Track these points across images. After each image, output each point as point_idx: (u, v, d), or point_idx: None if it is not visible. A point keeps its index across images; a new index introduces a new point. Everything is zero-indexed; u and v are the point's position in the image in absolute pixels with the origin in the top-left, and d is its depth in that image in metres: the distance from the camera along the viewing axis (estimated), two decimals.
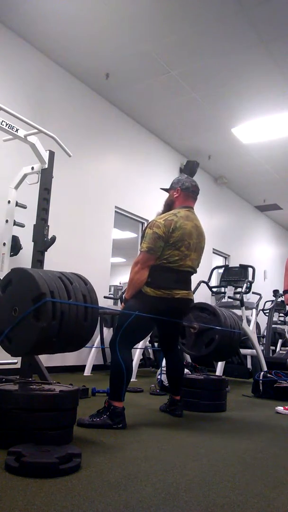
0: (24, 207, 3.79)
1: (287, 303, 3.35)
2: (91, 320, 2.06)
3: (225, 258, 8.62)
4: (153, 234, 2.60)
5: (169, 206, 2.84)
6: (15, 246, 3.75)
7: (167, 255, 2.62)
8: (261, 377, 3.96)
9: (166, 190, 2.98)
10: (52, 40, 4.48)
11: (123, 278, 7.70)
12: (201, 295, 6.23)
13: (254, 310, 5.69)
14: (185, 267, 2.68)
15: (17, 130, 3.33)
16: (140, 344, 4.67)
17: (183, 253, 2.65)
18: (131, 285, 2.62)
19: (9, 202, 3.70)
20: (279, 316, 7.82)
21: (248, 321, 5.09)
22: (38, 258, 3.31)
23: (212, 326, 3.15)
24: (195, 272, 2.80)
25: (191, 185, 2.90)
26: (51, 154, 3.50)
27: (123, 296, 2.74)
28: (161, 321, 2.67)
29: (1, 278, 2.28)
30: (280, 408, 3.19)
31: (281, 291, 7.60)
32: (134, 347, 2.91)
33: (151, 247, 2.58)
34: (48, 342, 1.91)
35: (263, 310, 7.46)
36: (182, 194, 2.87)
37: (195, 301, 5.87)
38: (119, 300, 5.31)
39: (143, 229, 2.76)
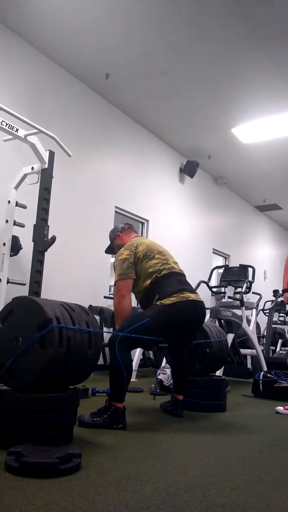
0: (24, 207, 3.79)
1: (286, 302, 3.36)
2: (95, 348, 2.04)
3: (225, 258, 8.62)
4: (119, 261, 2.69)
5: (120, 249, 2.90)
6: (15, 246, 3.75)
7: (151, 268, 2.66)
8: (261, 377, 3.96)
9: (111, 248, 3.08)
10: (52, 40, 4.48)
11: None
12: (201, 295, 6.23)
13: (254, 310, 5.69)
14: (174, 269, 2.73)
15: (17, 130, 3.33)
16: None
17: (161, 258, 2.72)
18: (118, 316, 2.63)
19: (9, 202, 3.70)
20: (279, 316, 7.82)
21: (248, 321, 5.09)
22: (38, 258, 3.31)
23: (202, 341, 3.18)
24: (185, 275, 2.82)
25: (123, 224, 3.10)
26: (51, 154, 3.51)
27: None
28: (178, 330, 2.64)
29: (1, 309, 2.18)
30: (280, 408, 3.19)
31: (280, 291, 7.61)
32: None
33: (121, 273, 2.64)
34: (55, 372, 1.86)
35: (263, 310, 7.45)
36: (123, 234, 3.00)
37: None
38: None
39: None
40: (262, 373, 4.07)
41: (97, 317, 4.91)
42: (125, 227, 3.04)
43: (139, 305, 2.91)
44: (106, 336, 5.13)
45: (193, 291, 2.72)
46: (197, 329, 2.84)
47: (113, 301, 2.69)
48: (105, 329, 5.12)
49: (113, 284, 2.74)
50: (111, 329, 4.84)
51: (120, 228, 3.04)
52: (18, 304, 2.01)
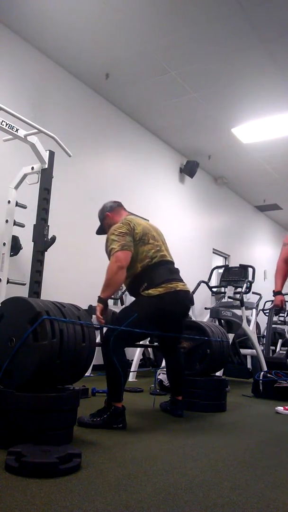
0: (24, 207, 3.78)
1: (276, 304, 3.37)
2: (89, 342, 2.04)
3: (225, 258, 8.62)
4: (119, 234, 2.54)
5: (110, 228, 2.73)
6: (15, 246, 3.75)
7: (144, 254, 2.59)
8: (261, 377, 3.96)
9: (101, 229, 2.92)
10: (52, 40, 4.48)
11: None
12: (201, 295, 6.23)
13: (254, 310, 5.70)
14: (166, 257, 2.68)
15: (17, 130, 3.33)
16: (142, 341, 4.65)
17: (154, 245, 2.65)
18: (110, 286, 2.50)
19: (9, 202, 3.70)
20: (279, 316, 7.82)
21: (248, 321, 5.09)
22: (38, 258, 3.31)
23: (202, 338, 3.17)
24: (174, 262, 2.78)
25: (111, 202, 2.92)
26: (51, 154, 3.51)
27: (98, 296, 2.57)
28: (165, 321, 2.64)
29: None
30: (280, 408, 3.19)
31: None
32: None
33: (123, 243, 2.50)
34: (51, 365, 1.88)
35: (263, 310, 7.46)
36: (112, 213, 2.85)
37: (195, 302, 5.84)
38: (119, 300, 5.31)
39: (105, 244, 2.63)
40: (262, 373, 4.07)
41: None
42: (114, 205, 2.87)
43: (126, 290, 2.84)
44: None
45: (181, 280, 2.69)
46: (184, 317, 2.81)
47: (110, 268, 2.47)
48: (104, 329, 5.11)
49: (109, 256, 2.54)
50: (109, 305, 4.83)
51: (109, 207, 2.87)
52: (8, 306, 2.04)
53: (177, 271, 2.73)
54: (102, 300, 2.56)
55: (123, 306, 5.11)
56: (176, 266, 2.78)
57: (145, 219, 6.27)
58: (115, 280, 2.49)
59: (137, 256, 2.58)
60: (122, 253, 2.49)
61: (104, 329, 2.90)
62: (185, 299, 2.69)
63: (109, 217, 2.83)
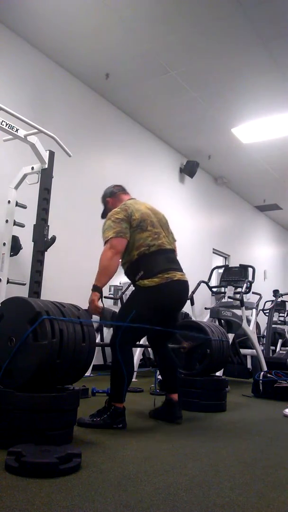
0: (24, 207, 3.78)
1: None
2: (89, 342, 2.04)
3: (225, 258, 8.62)
4: (115, 220, 2.52)
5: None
6: (15, 246, 3.74)
7: (141, 241, 2.52)
8: (261, 377, 3.96)
9: (105, 213, 2.83)
10: (52, 40, 4.48)
11: (123, 278, 7.68)
12: (201, 295, 6.23)
13: (254, 310, 5.70)
14: (164, 245, 2.60)
15: (17, 130, 3.33)
16: (142, 341, 4.65)
17: (153, 232, 2.58)
18: (104, 272, 2.48)
19: (9, 202, 3.70)
20: (279, 316, 7.82)
21: (248, 321, 5.09)
22: (38, 258, 3.31)
23: (200, 335, 3.16)
24: (175, 251, 2.73)
25: (112, 187, 2.91)
26: (51, 154, 3.51)
27: (94, 284, 2.54)
28: (161, 313, 2.56)
29: None
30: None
31: (281, 291, 7.61)
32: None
33: (119, 230, 2.49)
34: (51, 365, 1.87)
35: (263, 310, 7.46)
36: (113, 198, 2.84)
37: (195, 302, 5.84)
38: (118, 300, 5.31)
39: (102, 229, 2.61)
40: (262, 373, 4.07)
41: (97, 318, 4.91)
42: (114, 191, 2.87)
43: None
44: (107, 337, 5.13)
45: (180, 269, 2.62)
46: (179, 310, 2.74)
47: (103, 255, 2.47)
48: (104, 329, 5.12)
49: (105, 244, 2.53)
50: (109, 305, 4.81)
51: (109, 193, 2.86)
52: (8, 306, 2.04)
53: (174, 260, 2.64)
54: (98, 288, 2.51)
55: None
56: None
57: None
58: (110, 267, 2.48)
59: (134, 243, 2.53)
60: (116, 240, 2.48)
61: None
62: (182, 290, 2.61)
63: (109, 203, 2.83)
